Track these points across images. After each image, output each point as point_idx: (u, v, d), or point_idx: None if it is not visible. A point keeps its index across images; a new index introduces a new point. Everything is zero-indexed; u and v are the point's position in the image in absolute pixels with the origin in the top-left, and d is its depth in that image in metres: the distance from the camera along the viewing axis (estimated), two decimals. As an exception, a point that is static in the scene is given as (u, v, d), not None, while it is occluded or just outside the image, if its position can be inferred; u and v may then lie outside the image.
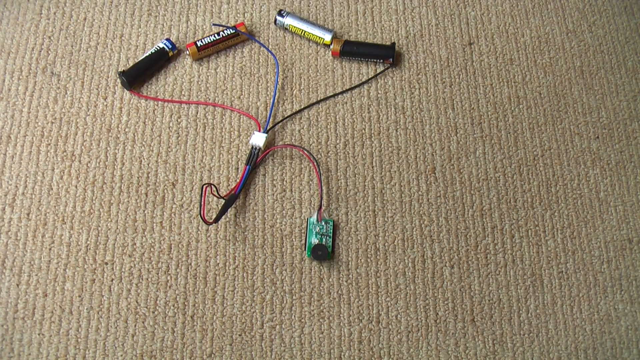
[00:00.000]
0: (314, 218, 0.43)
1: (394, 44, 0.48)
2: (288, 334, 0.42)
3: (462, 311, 0.43)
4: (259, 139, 0.44)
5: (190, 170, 0.45)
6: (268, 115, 0.46)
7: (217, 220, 0.42)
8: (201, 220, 0.43)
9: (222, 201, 0.42)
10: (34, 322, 0.41)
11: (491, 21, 0.52)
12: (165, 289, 0.42)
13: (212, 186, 0.43)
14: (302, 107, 0.47)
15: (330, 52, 0.48)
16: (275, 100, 0.47)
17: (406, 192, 0.46)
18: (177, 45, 0.48)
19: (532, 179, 0.47)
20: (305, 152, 0.45)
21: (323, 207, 0.44)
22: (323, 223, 0.43)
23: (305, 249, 0.43)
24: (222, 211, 0.42)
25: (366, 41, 0.49)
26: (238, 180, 0.44)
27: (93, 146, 0.45)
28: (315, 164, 0.45)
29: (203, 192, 0.42)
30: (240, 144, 0.46)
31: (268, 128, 0.46)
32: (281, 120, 0.46)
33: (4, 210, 0.43)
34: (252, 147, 0.44)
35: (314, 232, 0.43)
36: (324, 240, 0.43)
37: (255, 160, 0.44)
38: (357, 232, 0.44)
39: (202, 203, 0.42)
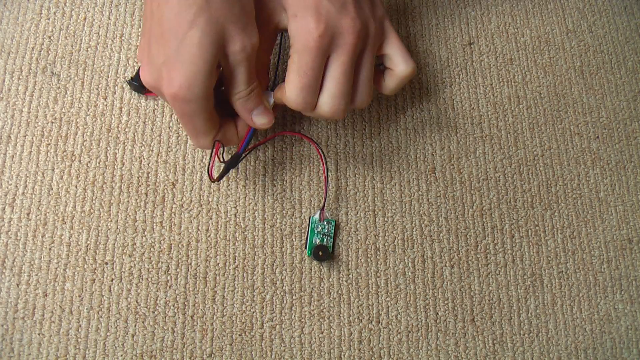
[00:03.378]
0: (316, 217, 0.43)
1: None
2: (288, 334, 0.42)
3: (462, 311, 0.43)
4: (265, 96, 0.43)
5: (190, 170, 0.45)
6: (274, 77, 0.45)
7: (220, 178, 0.40)
8: (201, 220, 0.43)
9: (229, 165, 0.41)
10: (34, 322, 0.41)
11: (491, 21, 0.52)
12: (165, 289, 0.42)
13: (221, 145, 0.41)
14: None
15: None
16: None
17: (406, 192, 0.46)
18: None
19: (532, 179, 0.47)
20: (314, 143, 0.44)
21: (325, 207, 0.44)
22: (325, 223, 0.43)
23: (306, 248, 0.43)
24: (225, 170, 0.40)
25: None
26: (241, 141, 0.41)
27: (93, 146, 0.45)
28: (323, 158, 0.44)
29: (215, 148, 0.40)
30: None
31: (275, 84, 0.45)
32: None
33: (4, 210, 0.43)
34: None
35: (316, 232, 0.43)
36: (325, 240, 0.43)
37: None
38: (357, 232, 0.44)
39: (212, 158, 0.40)
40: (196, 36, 0.34)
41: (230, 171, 0.44)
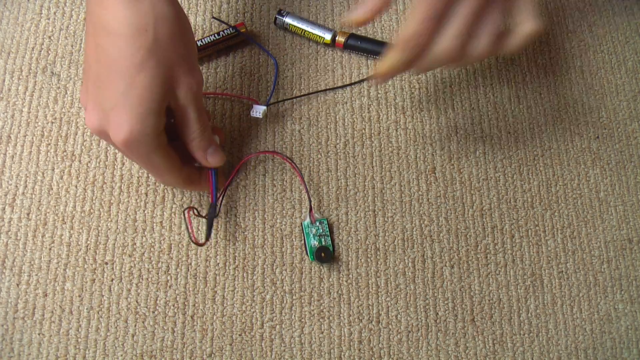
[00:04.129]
0: (307, 221, 0.43)
1: None
2: (288, 334, 0.42)
3: (462, 311, 0.43)
4: (258, 111, 0.45)
5: (190, 170, 0.45)
6: (269, 95, 0.46)
7: (207, 238, 0.41)
8: (201, 220, 0.43)
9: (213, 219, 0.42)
10: (34, 322, 0.41)
11: (491, 21, 0.52)
12: (165, 289, 0.42)
13: (193, 209, 0.42)
14: (298, 94, 0.47)
15: (331, 49, 0.49)
16: (272, 98, 0.47)
17: (406, 192, 0.46)
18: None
19: (532, 179, 0.47)
20: (285, 157, 0.45)
21: (313, 209, 0.44)
22: (317, 223, 0.43)
23: (307, 253, 0.43)
24: (209, 226, 0.41)
25: (374, 38, 0.49)
26: (210, 190, 0.42)
27: (93, 146, 0.45)
28: (295, 167, 0.45)
29: (187, 217, 0.42)
30: (241, 144, 0.46)
31: (268, 103, 0.46)
32: (276, 102, 0.47)
33: (4, 210, 0.43)
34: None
35: (311, 235, 0.43)
36: (322, 240, 0.43)
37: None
38: (357, 232, 0.44)
39: (190, 227, 0.41)
40: (145, 80, 0.33)
41: (232, 174, 0.44)
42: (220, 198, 0.43)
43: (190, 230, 0.41)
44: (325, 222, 0.44)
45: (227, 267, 0.43)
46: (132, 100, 0.33)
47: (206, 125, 0.38)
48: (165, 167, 0.37)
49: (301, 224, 0.44)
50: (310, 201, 0.44)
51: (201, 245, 0.42)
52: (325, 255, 0.42)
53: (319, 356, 0.41)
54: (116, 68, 0.33)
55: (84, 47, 0.36)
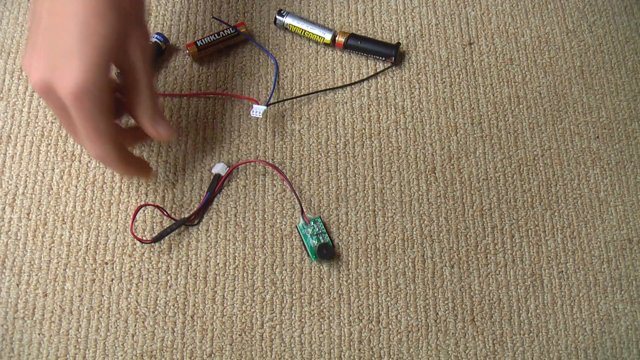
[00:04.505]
0: (301, 223, 0.43)
1: (399, 43, 0.48)
2: (288, 334, 0.42)
3: (462, 311, 0.43)
4: (258, 111, 0.45)
5: (191, 170, 0.45)
6: (268, 97, 0.46)
7: (157, 239, 0.41)
8: (201, 220, 0.43)
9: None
10: (34, 322, 0.41)
11: (491, 21, 0.52)
12: (165, 289, 0.42)
13: (161, 209, 0.42)
14: (298, 94, 0.47)
15: (331, 49, 0.49)
16: (272, 99, 0.47)
17: (406, 192, 0.46)
18: (169, 39, 0.48)
19: (532, 179, 0.47)
20: (269, 164, 0.45)
21: (304, 209, 0.44)
22: (312, 223, 0.43)
23: (308, 255, 0.43)
24: (166, 231, 0.41)
25: (374, 38, 0.49)
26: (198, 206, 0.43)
27: (93, 146, 0.45)
28: (280, 172, 0.45)
29: (135, 210, 0.42)
30: (240, 144, 0.46)
31: (269, 103, 0.46)
32: (276, 102, 0.47)
33: (4, 210, 0.43)
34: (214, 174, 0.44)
35: (309, 235, 0.43)
36: (321, 239, 0.43)
37: (215, 187, 0.44)
38: (357, 232, 0.44)
39: (132, 218, 0.41)
40: (102, 27, 0.32)
41: (232, 172, 0.44)
42: (199, 217, 0.43)
43: (131, 222, 0.42)
44: (319, 219, 0.44)
45: (227, 267, 0.43)
46: (87, 47, 0.32)
47: (154, 91, 0.37)
48: (107, 133, 0.35)
49: (296, 227, 0.44)
50: (300, 202, 0.44)
51: (147, 242, 0.42)
52: (327, 251, 0.42)
53: (319, 356, 0.41)
54: (71, 15, 0.32)
55: (31, 5, 0.35)
